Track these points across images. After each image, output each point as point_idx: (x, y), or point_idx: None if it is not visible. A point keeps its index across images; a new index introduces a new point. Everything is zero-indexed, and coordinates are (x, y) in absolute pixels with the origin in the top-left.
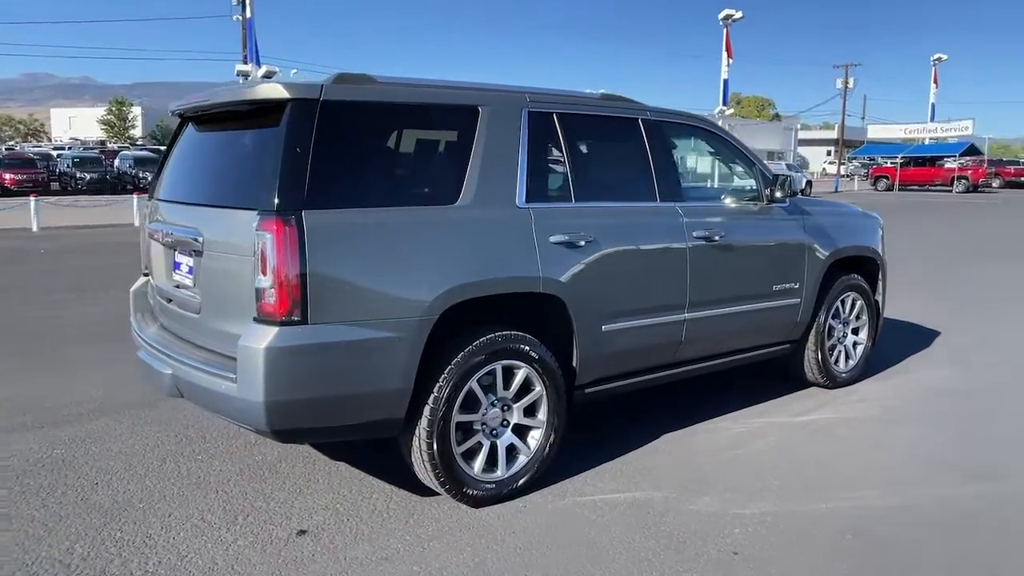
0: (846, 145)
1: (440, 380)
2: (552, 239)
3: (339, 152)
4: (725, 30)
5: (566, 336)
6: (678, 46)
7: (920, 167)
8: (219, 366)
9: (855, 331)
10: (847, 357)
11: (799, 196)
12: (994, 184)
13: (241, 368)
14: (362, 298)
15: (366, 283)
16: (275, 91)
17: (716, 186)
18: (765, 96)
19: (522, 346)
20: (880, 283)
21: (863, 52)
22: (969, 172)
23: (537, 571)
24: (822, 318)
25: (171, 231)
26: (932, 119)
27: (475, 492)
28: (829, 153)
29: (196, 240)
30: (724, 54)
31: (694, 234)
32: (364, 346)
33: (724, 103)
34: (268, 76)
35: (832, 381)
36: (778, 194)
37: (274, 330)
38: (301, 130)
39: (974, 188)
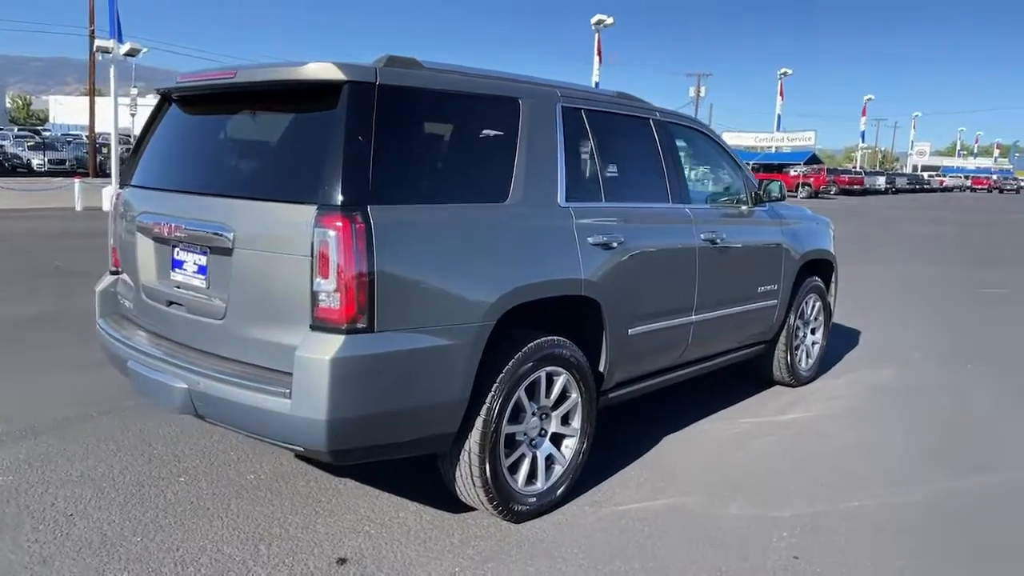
0: None
1: (492, 389)
2: (590, 240)
3: (397, 142)
4: (597, 35)
5: (595, 340)
6: (554, 48)
7: (769, 173)
8: (260, 380)
9: (813, 331)
10: (807, 356)
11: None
12: (832, 191)
13: (299, 382)
14: (426, 302)
15: (430, 286)
16: (329, 71)
17: (696, 188)
18: None
19: (564, 352)
20: (833, 285)
21: (716, 63)
22: (812, 179)
23: None
24: (792, 319)
25: (182, 224)
26: (778, 129)
27: (519, 507)
28: None
29: (222, 236)
30: (596, 58)
31: (701, 236)
32: (427, 355)
33: None
34: (132, 54)
35: (797, 380)
36: (762, 198)
37: (340, 339)
38: (362, 116)
39: (815, 194)
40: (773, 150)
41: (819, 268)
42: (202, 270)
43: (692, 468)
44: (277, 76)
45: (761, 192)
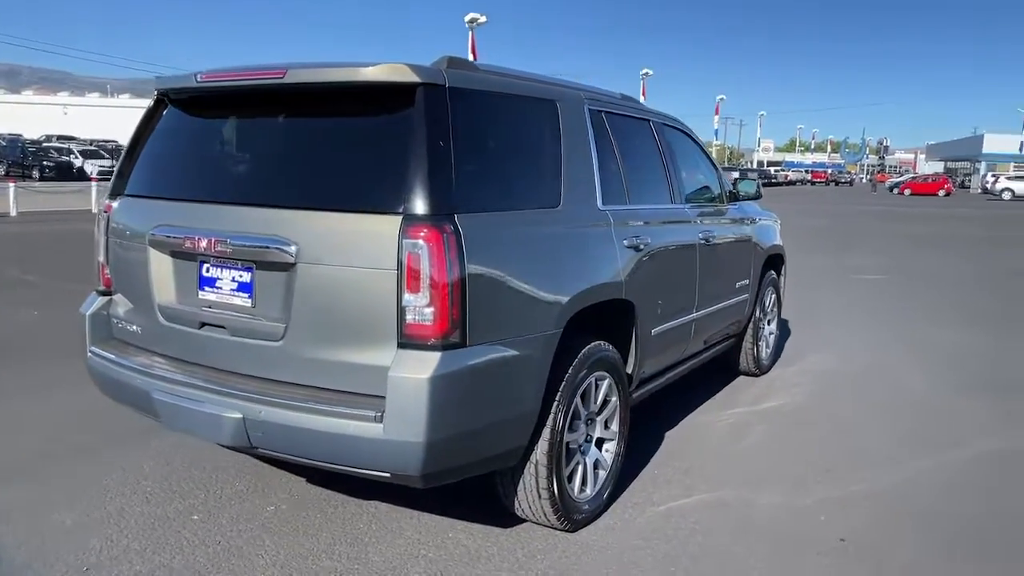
0: None
1: (556, 399)
2: (624, 243)
3: (470, 147)
4: (471, 33)
5: (625, 342)
6: (429, 46)
7: None
8: (340, 404)
9: (769, 322)
10: (767, 347)
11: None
12: None
13: (394, 404)
14: (507, 313)
15: (510, 296)
16: (401, 73)
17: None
18: None
19: (609, 355)
20: (783, 278)
21: (579, 62)
22: None
23: None
24: (757, 311)
25: (226, 239)
26: None
27: (577, 516)
28: None
29: (281, 250)
30: (471, 56)
31: (699, 235)
32: (509, 367)
33: None
34: None
35: (760, 370)
36: (737, 196)
37: (436, 356)
38: (439, 120)
39: None
40: None
41: (773, 262)
42: (244, 287)
43: (706, 464)
44: (339, 77)
45: (734, 190)
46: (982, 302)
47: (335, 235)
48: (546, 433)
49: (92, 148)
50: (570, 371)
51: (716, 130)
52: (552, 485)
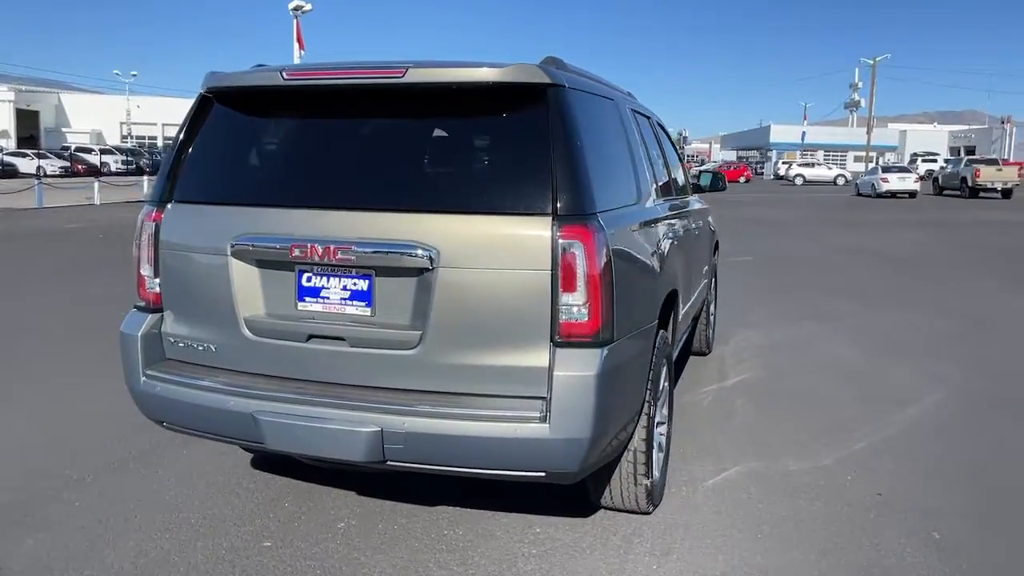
0: None
1: (648, 386)
2: (669, 235)
3: (591, 148)
4: (295, 21)
5: (666, 328)
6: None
7: None
8: (499, 408)
9: (713, 304)
10: (711, 327)
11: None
12: None
13: (560, 403)
14: (635, 307)
15: (636, 291)
16: (533, 73)
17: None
18: None
19: (667, 342)
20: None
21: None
22: None
23: (800, 550)
24: (707, 294)
25: (348, 245)
26: None
27: (655, 499)
28: None
29: (420, 256)
30: (296, 45)
31: (693, 224)
32: (636, 359)
33: None
34: None
35: (709, 349)
36: (701, 187)
37: (596, 353)
38: (572, 121)
39: None
40: None
41: (715, 248)
42: (360, 296)
43: (716, 440)
44: (466, 77)
45: (697, 182)
46: (839, 277)
47: (478, 238)
48: (643, 420)
49: None
50: (654, 359)
51: None
52: (648, 471)
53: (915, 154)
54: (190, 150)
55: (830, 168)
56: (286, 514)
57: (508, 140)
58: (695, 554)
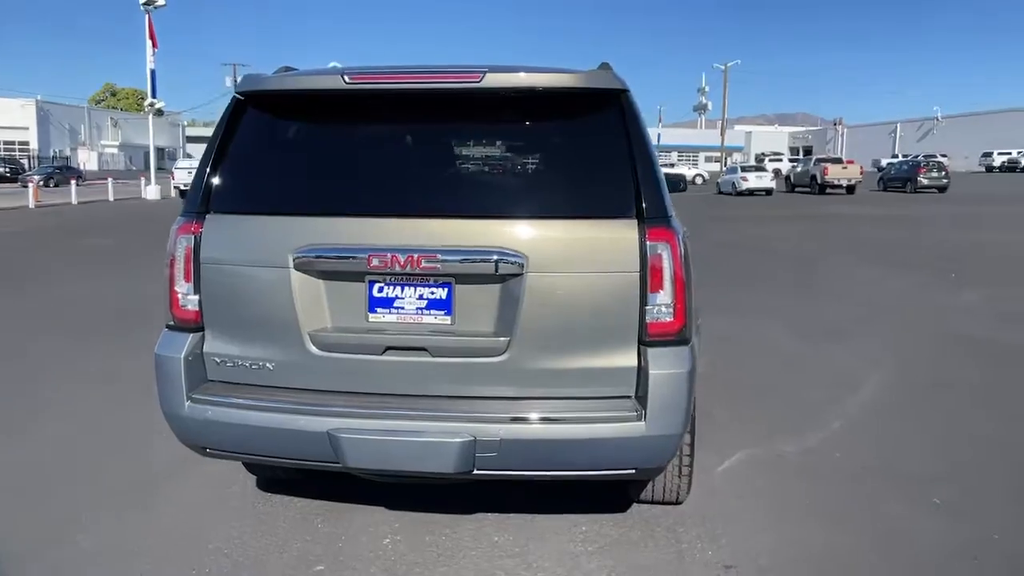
0: None
1: None
2: None
3: (653, 150)
4: (147, 16)
5: None
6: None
7: None
8: (592, 410)
9: None
10: None
11: None
12: None
13: (656, 400)
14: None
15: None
16: (607, 79)
17: None
18: (145, 90)
19: None
20: None
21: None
22: None
23: (826, 525)
24: None
25: (434, 254)
26: None
27: (688, 491)
28: None
29: (513, 262)
30: (148, 42)
31: None
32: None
33: (154, 95)
34: None
35: None
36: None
37: (685, 350)
38: (641, 125)
39: None
40: None
41: None
42: (438, 305)
43: (704, 430)
44: (544, 83)
45: None
46: (730, 270)
47: (565, 243)
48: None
49: None
50: None
51: None
52: (691, 463)
53: (762, 154)
54: (229, 158)
55: (690, 168)
56: (323, 535)
57: (588, 145)
58: (740, 537)
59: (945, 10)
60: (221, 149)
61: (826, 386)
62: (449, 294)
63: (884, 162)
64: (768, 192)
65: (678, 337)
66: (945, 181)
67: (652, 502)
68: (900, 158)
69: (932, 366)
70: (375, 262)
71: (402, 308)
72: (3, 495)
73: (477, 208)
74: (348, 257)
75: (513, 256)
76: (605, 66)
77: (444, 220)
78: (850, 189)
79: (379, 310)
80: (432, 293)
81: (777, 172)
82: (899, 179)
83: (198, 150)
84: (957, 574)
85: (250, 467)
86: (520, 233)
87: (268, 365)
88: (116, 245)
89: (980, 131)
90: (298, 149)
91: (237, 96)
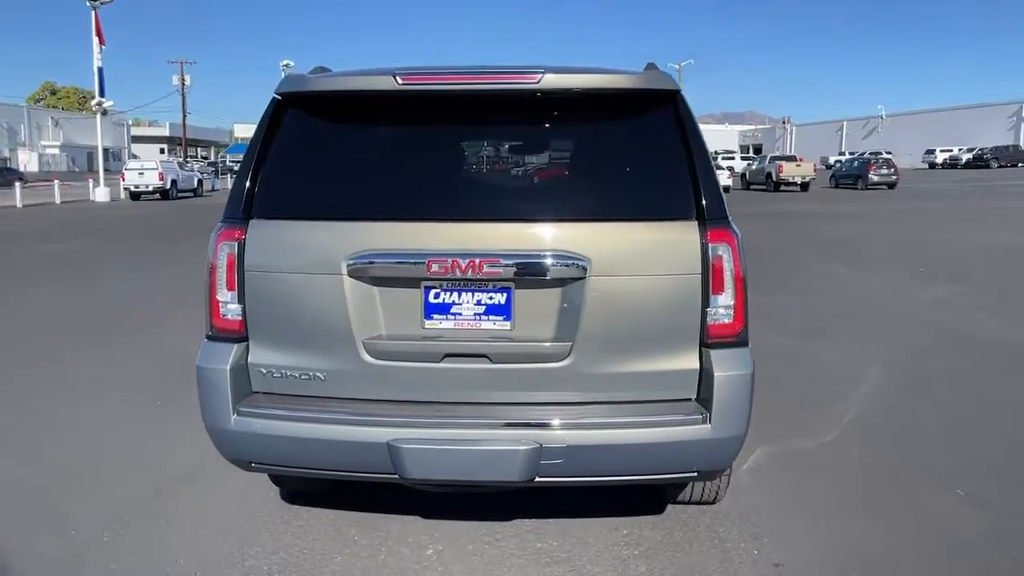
0: (192, 144)
1: None
2: None
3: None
4: (94, 12)
5: None
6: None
7: None
8: (657, 414)
9: None
10: None
11: None
12: None
13: (721, 402)
14: None
15: None
16: (664, 80)
17: None
18: (89, 89)
19: None
20: None
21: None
22: None
23: (866, 521)
24: None
25: (496, 258)
26: None
27: None
28: (162, 151)
29: (578, 265)
30: (95, 39)
31: None
32: None
33: (102, 94)
34: None
35: None
36: None
37: (746, 351)
38: (697, 126)
39: None
40: None
41: None
42: (497, 310)
43: None
44: (602, 84)
45: None
46: None
47: (627, 246)
48: None
49: None
50: None
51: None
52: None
53: (715, 152)
54: (272, 161)
55: None
56: (362, 547)
57: (645, 146)
58: (782, 535)
59: (889, 10)
60: (263, 152)
61: (826, 381)
62: (508, 299)
63: (832, 159)
64: (725, 190)
65: (738, 339)
66: (894, 178)
67: (689, 502)
68: (847, 155)
69: (925, 359)
70: (435, 267)
71: (459, 314)
72: None
73: (535, 211)
74: (407, 263)
75: (578, 259)
76: (652, 66)
77: (502, 224)
78: (804, 186)
79: (435, 316)
80: (491, 298)
81: (731, 170)
82: (850, 176)
83: (144, 151)
84: (1001, 567)
85: (276, 479)
86: (581, 236)
87: (319, 375)
88: (80, 250)
89: (923, 129)
90: (346, 152)
91: (276, 97)
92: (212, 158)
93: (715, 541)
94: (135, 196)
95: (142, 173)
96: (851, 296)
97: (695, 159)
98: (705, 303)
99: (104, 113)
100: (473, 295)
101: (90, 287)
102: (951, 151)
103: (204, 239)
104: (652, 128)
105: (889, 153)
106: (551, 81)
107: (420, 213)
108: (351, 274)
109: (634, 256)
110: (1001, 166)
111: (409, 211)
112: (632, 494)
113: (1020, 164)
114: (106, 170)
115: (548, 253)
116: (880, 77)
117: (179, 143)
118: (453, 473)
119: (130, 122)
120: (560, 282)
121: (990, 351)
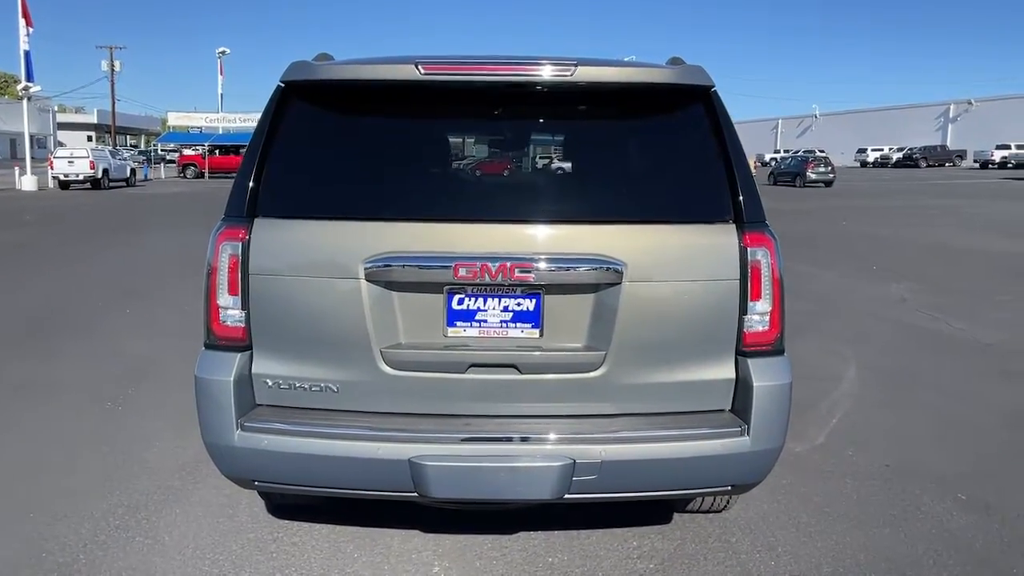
0: (121, 132)
1: None
2: None
3: None
4: None
5: None
6: None
7: (226, 155)
8: (695, 426)
9: None
10: None
11: None
12: None
13: (760, 414)
14: None
15: None
16: (700, 76)
17: None
18: (11, 73)
19: None
20: None
21: (134, 35)
22: None
23: (873, 527)
24: None
25: (528, 262)
26: (222, 109)
27: None
28: (90, 139)
29: (614, 270)
30: (22, 21)
31: None
32: None
33: (30, 79)
34: None
35: None
36: None
37: (784, 361)
38: (729, 124)
39: None
40: (220, 131)
41: None
42: (525, 317)
43: None
44: (637, 78)
45: None
46: None
47: (663, 249)
48: None
49: None
50: None
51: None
52: None
53: None
54: (279, 156)
55: None
56: (363, 566)
57: (680, 144)
58: (795, 544)
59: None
60: (267, 146)
61: (806, 380)
62: (538, 305)
63: (768, 157)
64: None
65: (775, 347)
66: (831, 176)
67: (698, 511)
68: (783, 153)
69: (897, 357)
70: (462, 272)
71: (484, 321)
72: None
73: (566, 212)
74: (432, 266)
75: (614, 263)
76: (678, 60)
77: (530, 225)
78: (828, 183)
79: (459, 324)
80: (519, 304)
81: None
82: (788, 174)
83: (70, 138)
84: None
85: (264, 493)
86: (616, 239)
87: (332, 387)
88: (11, 242)
89: (855, 128)
90: (363, 146)
91: (281, 85)
92: (142, 147)
93: (729, 552)
94: (64, 185)
95: (72, 161)
96: (814, 294)
97: (733, 158)
98: (743, 310)
99: (29, 99)
100: (500, 301)
101: (25, 283)
102: (882, 150)
103: (142, 231)
104: (687, 125)
105: (822, 151)
106: (584, 74)
107: (443, 213)
108: (368, 278)
109: (670, 260)
110: (929, 165)
111: (431, 211)
112: (637, 502)
113: (947, 164)
114: (32, 158)
115: (583, 257)
116: (816, 76)
117: (107, 131)
118: (480, 492)
119: (55, 108)
120: (594, 288)
121: (961, 348)
